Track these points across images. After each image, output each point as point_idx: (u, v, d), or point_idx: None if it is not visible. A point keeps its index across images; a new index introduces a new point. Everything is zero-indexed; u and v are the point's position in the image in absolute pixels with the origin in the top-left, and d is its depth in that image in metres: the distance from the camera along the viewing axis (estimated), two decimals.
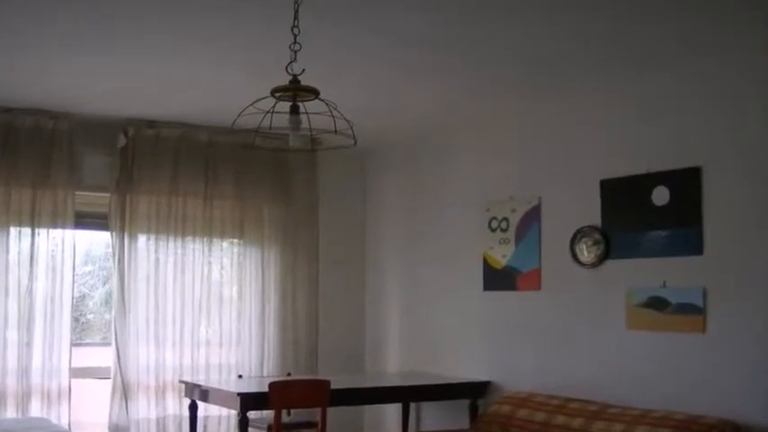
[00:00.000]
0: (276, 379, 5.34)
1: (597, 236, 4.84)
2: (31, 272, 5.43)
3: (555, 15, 3.73)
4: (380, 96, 5.17)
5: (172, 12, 3.70)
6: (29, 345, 5.39)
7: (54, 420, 5.29)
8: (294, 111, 3.34)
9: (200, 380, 5.69)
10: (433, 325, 6.04)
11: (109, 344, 5.79)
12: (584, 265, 4.91)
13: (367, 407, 6.37)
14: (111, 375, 5.65)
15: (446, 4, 3.61)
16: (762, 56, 4.08)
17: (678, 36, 4.00)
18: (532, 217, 5.30)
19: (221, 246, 6.12)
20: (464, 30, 3.92)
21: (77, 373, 5.62)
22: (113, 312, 5.71)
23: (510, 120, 5.52)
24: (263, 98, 3.29)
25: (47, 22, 3.83)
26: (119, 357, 5.62)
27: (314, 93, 3.32)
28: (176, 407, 5.77)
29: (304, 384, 5.03)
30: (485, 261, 5.62)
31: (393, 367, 6.39)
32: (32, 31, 3.96)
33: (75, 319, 5.88)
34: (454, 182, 5.96)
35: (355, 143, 3.54)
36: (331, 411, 4.93)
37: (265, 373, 6.08)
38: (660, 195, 4.51)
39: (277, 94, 3.32)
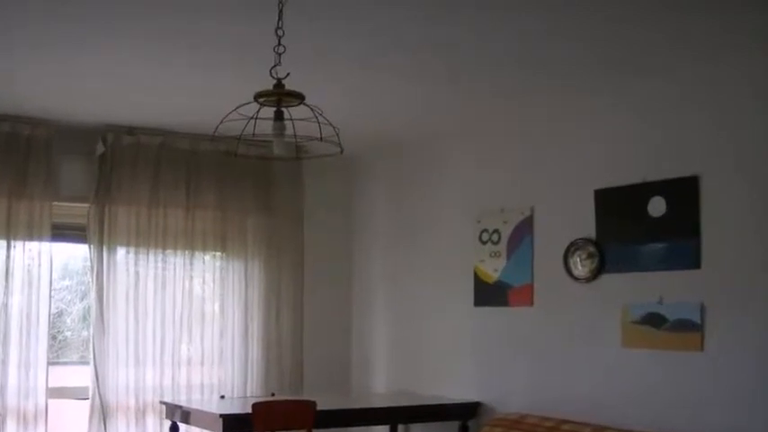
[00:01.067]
0: (260, 399, 5.21)
1: (591, 249, 4.71)
2: (6, 286, 5.27)
3: (547, 18, 3.63)
4: (368, 102, 5.06)
5: (151, 13, 3.59)
6: (4, 363, 5.23)
7: None
8: (278, 117, 3.23)
9: (182, 400, 5.54)
10: (422, 342, 5.91)
11: (87, 363, 5.64)
12: (579, 279, 4.79)
13: (354, 428, 6.22)
14: (90, 396, 5.49)
15: (436, 7, 3.52)
16: (761, 59, 3.99)
17: (675, 40, 3.90)
18: (524, 229, 5.17)
19: (203, 259, 5.98)
20: (454, 33, 3.82)
21: (54, 393, 5.48)
22: (91, 330, 5.55)
23: (501, 128, 5.41)
24: (246, 103, 3.18)
25: (22, 24, 3.71)
26: (97, 377, 5.47)
27: (299, 98, 3.21)
28: (157, 428, 5.62)
29: (288, 405, 4.92)
30: (475, 275, 5.48)
31: (380, 387, 6.25)
32: (7, 33, 3.84)
33: (53, 337, 5.73)
34: (444, 192, 5.83)
35: (342, 151, 3.42)
36: None
37: (248, 394, 5.94)
38: (656, 206, 4.39)
39: (261, 100, 3.21)
